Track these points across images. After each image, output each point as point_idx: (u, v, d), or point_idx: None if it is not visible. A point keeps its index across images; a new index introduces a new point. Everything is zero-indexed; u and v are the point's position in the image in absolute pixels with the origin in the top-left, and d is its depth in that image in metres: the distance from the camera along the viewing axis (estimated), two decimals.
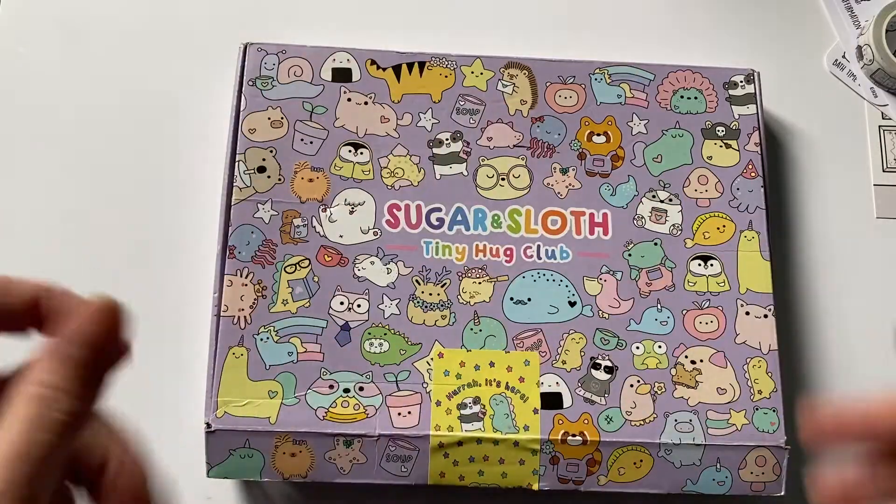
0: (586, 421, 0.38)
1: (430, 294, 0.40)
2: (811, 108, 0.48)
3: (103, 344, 0.22)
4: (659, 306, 0.40)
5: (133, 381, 0.42)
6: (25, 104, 0.46)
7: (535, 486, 0.38)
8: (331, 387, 0.38)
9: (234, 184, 0.40)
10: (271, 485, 0.40)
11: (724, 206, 0.42)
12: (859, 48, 0.49)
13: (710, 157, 0.43)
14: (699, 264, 0.41)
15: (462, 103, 0.43)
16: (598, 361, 0.39)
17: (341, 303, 0.39)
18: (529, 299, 0.40)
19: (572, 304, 0.40)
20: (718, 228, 0.42)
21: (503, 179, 0.42)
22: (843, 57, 0.49)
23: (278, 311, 0.39)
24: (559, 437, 0.38)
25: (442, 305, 0.40)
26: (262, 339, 0.38)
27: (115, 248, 0.43)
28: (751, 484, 0.38)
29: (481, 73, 0.44)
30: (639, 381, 0.39)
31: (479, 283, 0.40)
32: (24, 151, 0.45)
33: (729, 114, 0.44)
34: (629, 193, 0.42)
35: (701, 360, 0.40)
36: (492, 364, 0.39)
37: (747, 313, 0.40)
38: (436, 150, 0.42)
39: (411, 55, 0.43)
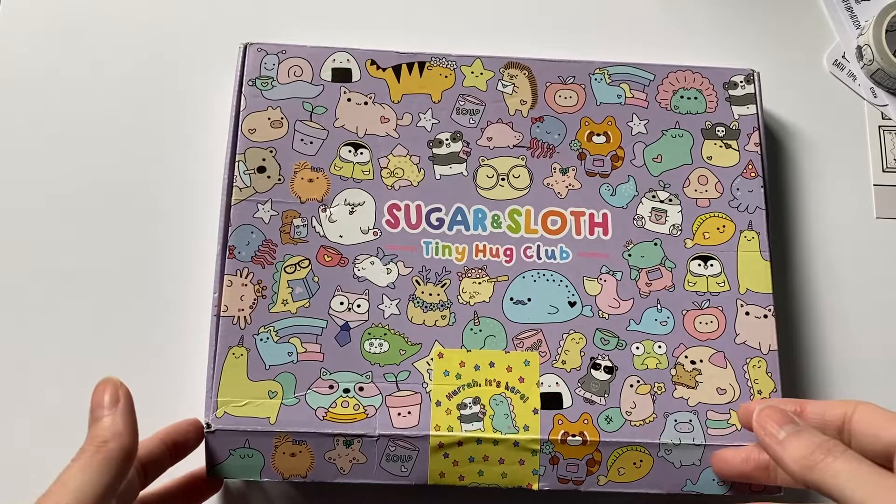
0: (586, 421, 0.38)
1: (430, 294, 0.40)
2: (811, 108, 0.48)
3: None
4: (659, 306, 0.40)
5: (133, 381, 0.42)
6: (25, 104, 0.46)
7: (535, 486, 0.38)
8: (331, 387, 0.38)
9: (234, 184, 0.40)
10: (271, 485, 0.40)
11: (723, 207, 0.42)
12: (859, 48, 0.49)
13: (709, 158, 0.43)
14: (699, 264, 0.41)
15: (462, 103, 0.43)
16: (597, 361, 0.39)
17: (341, 303, 0.39)
18: (529, 299, 0.40)
19: (572, 304, 0.40)
20: (718, 228, 0.42)
21: (503, 179, 0.42)
22: (843, 57, 0.49)
23: (278, 312, 0.39)
24: (559, 438, 0.38)
25: (442, 305, 0.40)
26: (261, 340, 0.38)
27: (115, 248, 0.43)
28: (751, 484, 0.38)
29: (481, 73, 0.44)
30: (639, 382, 0.39)
31: (479, 283, 0.40)
32: (23, 151, 0.45)
33: (729, 114, 0.44)
34: (629, 193, 0.42)
35: (701, 361, 0.40)
36: (492, 364, 0.39)
37: (747, 313, 0.40)
38: (436, 150, 0.42)
39: (411, 55, 0.43)
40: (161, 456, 0.35)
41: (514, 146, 0.42)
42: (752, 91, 0.44)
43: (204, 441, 0.37)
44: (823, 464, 0.28)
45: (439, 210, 0.41)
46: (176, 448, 0.36)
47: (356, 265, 0.40)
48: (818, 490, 0.29)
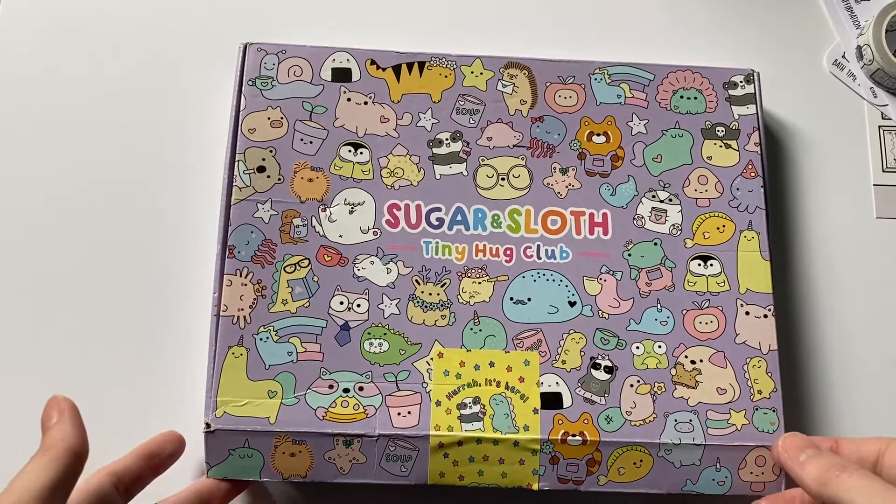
0: (586, 421, 0.38)
1: (430, 294, 0.40)
2: (811, 108, 0.48)
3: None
4: (659, 306, 0.40)
5: (133, 380, 0.42)
6: (25, 104, 0.46)
7: (535, 486, 0.38)
8: (330, 387, 0.38)
9: (234, 183, 0.40)
10: (271, 485, 0.40)
11: (723, 206, 0.42)
12: (859, 48, 0.49)
13: (709, 157, 0.43)
14: (699, 264, 0.41)
15: (462, 103, 0.43)
16: (597, 361, 0.39)
17: (341, 302, 0.39)
18: (529, 299, 0.40)
19: (572, 303, 0.40)
20: (718, 228, 0.42)
21: (503, 179, 0.42)
22: (843, 57, 0.49)
23: (278, 311, 0.39)
24: (559, 437, 0.38)
25: (442, 305, 0.40)
26: (261, 339, 0.38)
27: (115, 248, 0.43)
28: (750, 484, 0.38)
29: (481, 73, 0.44)
30: (639, 381, 0.39)
31: (479, 282, 0.40)
32: (23, 151, 0.45)
33: (729, 114, 0.44)
34: (629, 193, 0.42)
35: (701, 360, 0.40)
36: (492, 364, 0.39)
37: (747, 313, 0.40)
38: (435, 150, 0.42)
39: (411, 55, 0.43)
40: (139, 470, 0.36)
41: (514, 146, 0.42)
42: (752, 91, 0.44)
43: (204, 441, 0.37)
44: (838, 479, 0.31)
45: (439, 210, 0.41)
46: (154, 461, 0.37)
47: (356, 265, 0.40)
48: None
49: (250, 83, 0.42)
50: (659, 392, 0.39)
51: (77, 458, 0.31)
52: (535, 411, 0.38)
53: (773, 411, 0.39)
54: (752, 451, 0.38)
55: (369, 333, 0.39)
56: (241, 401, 0.37)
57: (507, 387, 0.39)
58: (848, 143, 0.47)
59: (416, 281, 0.40)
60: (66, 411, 0.33)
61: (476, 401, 0.38)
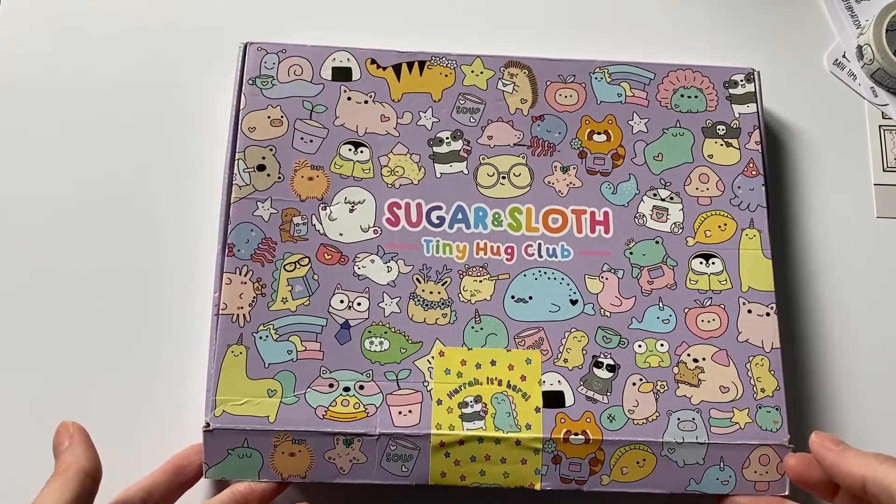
0: (588, 420, 0.38)
1: (431, 292, 0.40)
2: (811, 108, 0.48)
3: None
4: (661, 304, 0.40)
5: (133, 379, 0.42)
6: (25, 104, 0.46)
7: (538, 486, 0.37)
8: (330, 385, 0.38)
9: (234, 182, 0.40)
10: None
11: (725, 205, 0.42)
12: (859, 48, 0.49)
13: (710, 156, 0.43)
14: (701, 262, 0.41)
15: (462, 102, 0.43)
16: (599, 360, 0.39)
17: (341, 301, 0.39)
18: (531, 297, 0.40)
19: (574, 302, 0.40)
20: (720, 227, 0.42)
21: (504, 178, 0.42)
22: (844, 57, 0.49)
23: (278, 310, 0.39)
24: (561, 436, 0.37)
25: (443, 304, 0.39)
26: (261, 338, 0.38)
27: (115, 247, 0.43)
28: (754, 483, 0.38)
29: (481, 73, 0.43)
30: (641, 380, 0.39)
31: (480, 281, 0.40)
32: (23, 151, 0.45)
33: (729, 112, 0.44)
34: (630, 192, 0.42)
35: (703, 359, 0.39)
36: (493, 362, 0.39)
37: (749, 311, 0.40)
38: (436, 149, 0.42)
39: (411, 54, 0.43)
40: (167, 485, 0.36)
41: (514, 144, 0.42)
42: (753, 90, 0.44)
43: (203, 440, 0.37)
44: (885, 465, 0.32)
45: (440, 208, 0.41)
46: (182, 475, 0.37)
47: (356, 263, 0.40)
48: (872, 490, 0.32)
49: (250, 82, 0.42)
50: (661, 390, 0.39)
51: (90, 478, 0.33)
52: (537, 410, 0.38)
53: (777, 409, 0.39)
54: (756, 450, 0.38)
55: (370, 332, 0.39)
56: (240, 400, 0.37)
57: (508, 385, 0.38)
58: (848, 142, 0.47)
59: (417, 279, 0.40)
60: (76, 435, 0.34)
61: (477, 399, 0.38)
